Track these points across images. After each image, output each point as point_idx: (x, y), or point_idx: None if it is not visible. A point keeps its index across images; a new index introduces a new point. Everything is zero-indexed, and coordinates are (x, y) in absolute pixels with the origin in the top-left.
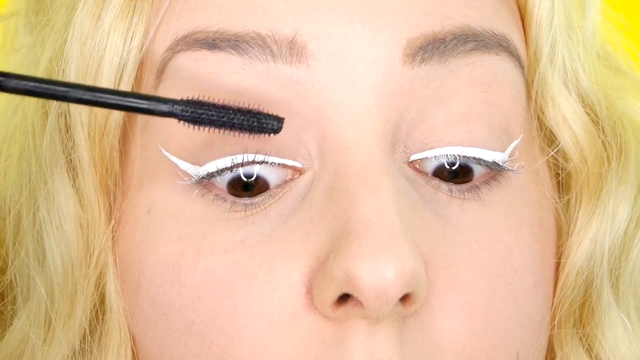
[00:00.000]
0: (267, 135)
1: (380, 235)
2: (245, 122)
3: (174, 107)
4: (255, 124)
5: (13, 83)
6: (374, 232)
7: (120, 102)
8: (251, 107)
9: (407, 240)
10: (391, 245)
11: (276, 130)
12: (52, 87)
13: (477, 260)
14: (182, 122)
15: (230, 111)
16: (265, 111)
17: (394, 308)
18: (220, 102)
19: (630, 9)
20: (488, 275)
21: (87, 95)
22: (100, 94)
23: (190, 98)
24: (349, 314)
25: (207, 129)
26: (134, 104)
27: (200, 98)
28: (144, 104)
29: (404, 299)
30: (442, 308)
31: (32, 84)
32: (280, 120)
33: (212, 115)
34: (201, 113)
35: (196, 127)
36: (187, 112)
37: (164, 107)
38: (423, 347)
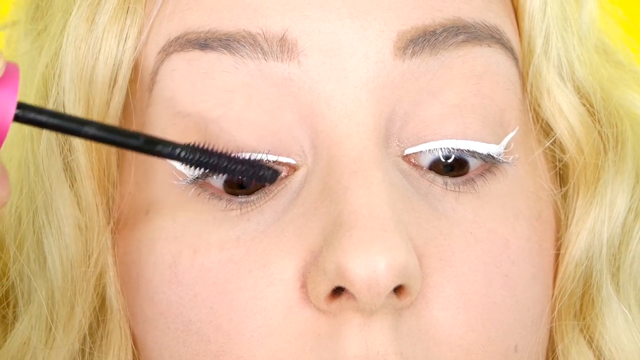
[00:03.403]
0: (263, 184)
1: (371, 227)
2: (244, 171)
3: (181, 152)
4: (253, 173)
5: (31, 115)
6: (365, 224)
7: (126, 142)
8: (251, 158)
9: (398, 232)
10: (382, 237)
11: (271, 180)
12: (65, 122)
13: (473, 252)
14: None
15: (232, 160)
16: (265, 163)
17: (387, 300)
18: (222, 150)
19: (629, 4)
20: (484, 267)
21: (99, 133)
22: (109, 134)
23: (195, 145)
24: (343, 307)
25: (209, 173)
26: (140, 145)
27: (204, 146)
28: (150, 147)
29: (398, 291)
30: (438, 300)
31: (45, 118)
32: (275, 172)
33: (215, 162)
34: (204, 160)
35: (198, 169)
36: (192, 157)
37: (171, 152)
38: (419, 339)
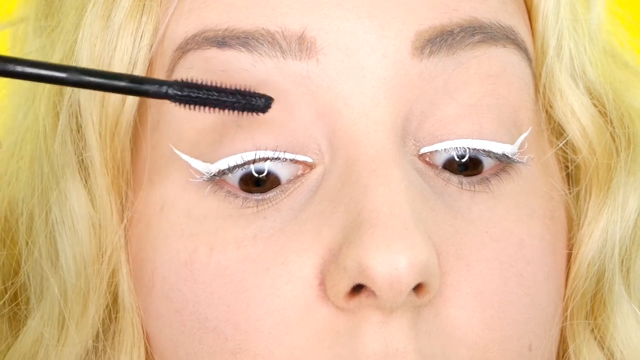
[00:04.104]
0: (256, 114)
1: (392, 226)
2: (236, 102)
3: (169, 89)
4: (245, 103)
5: (9, 67)
6: (386, 222)
7: (112, 85)
8: (241, 87)
9: (419, 230)
10: (403, 235)
11: (264, 109)
12: (44, 70)
13: (489, 251)
14: (175, 103)
15: (222, 92)
16: (257, 91)
17: (407, 298)
18: (211, 83)
19: (636, 7)
20: (500, 266)
21: (80, 78)
22: (92, 77)
23: (182, 80)
24: (362, 304)
25: (200, 109)
26: (128, 86)
27: (193, 81)
28: (137, 87)
29: (417, 289)
30: (455, 299)
31: (22, 68)
32: (269, 99)
33: (204, 96)
34: (194, 94)
35: (189, 107)
36: (180, 93)
37: (158, 89)
38: (437, 337)
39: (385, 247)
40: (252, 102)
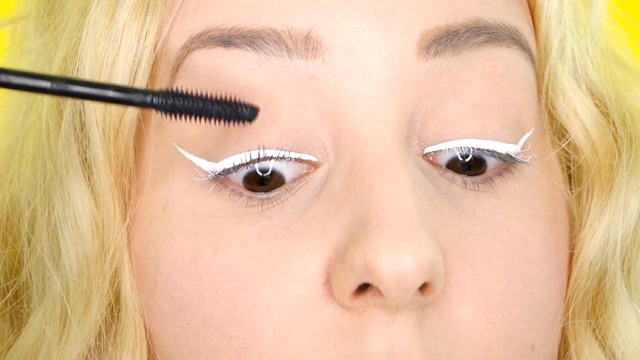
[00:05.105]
0: (243, 123)
1: (399, 225)
2: (221, 111)
3: (154, 98)
4: (231, 112)
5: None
6: (393, 221)
7: (98, 94)
8: (227, 97)
9: (425, 230)
10: (410, 235)
11: (251, 118)
12: (30, 80)
13: (493, 250)
14: (160, 112)
15: (207, 101)
16: (243, 101)
17: (413, 297)
18: (197, 92)
19: (635, 8)
20: (504, 266)
21: (73, 87)
22: (77, 87)
23: (167, 89)
24: (368, 303)
25: (186, 118)
26: (112, 95)
27: (178, 90)
28: (122, 96)
29: (423, 288)
30: (460, 298)
31: (3, 77)
32: (255, 109)
33: (190, 105)
34: (179, 104)
35: (174, 117)
36: (165, 103)
37: (143, 99)
38: (442, 336)
39: (393, 247)
40: (238, 111)
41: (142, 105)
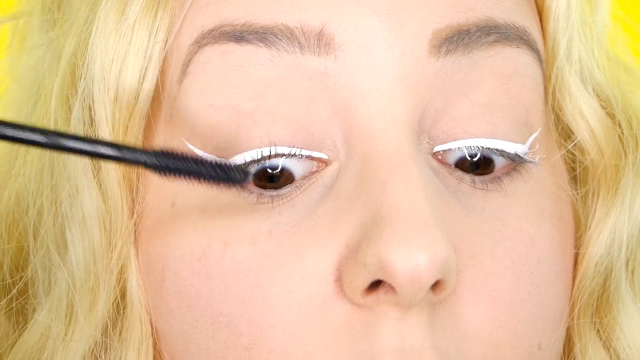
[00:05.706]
0: (234, 186)
1: (412, 222)
2: (214, 174)
3: (147, 158)
4: (223, 176)
5: None
6: (407, 218)
7: (91, 150)
8: (219, 161)
9: (438, 227)
10: (424, 232)
11: (242, 183)
12: (22, 133)
13: (501, 249)
14: (153, 172)
15: (200, 164)
16: (234, 165)
17: (425, 294)
18: (189, 154)
19: (637, 10)
20: (512, 265)
21: (66, 142)
22: (72, 143)
23: (160, 150)
24: (380, 300)
25: (177, 178)
26: (105, 152)
27: (170, 149)
28: (115, 154)
29: (435, 285)
30: (469, 296)
31: (9, 130)
32: (246, 174)
33: (182, 167)
34: (172, 165)
35: (166, 176)
36: (158, 163)
37: (136, 158)
38: (452, 334)
39: (406, 244)
40: (230, 176)
41: (134, 163)
